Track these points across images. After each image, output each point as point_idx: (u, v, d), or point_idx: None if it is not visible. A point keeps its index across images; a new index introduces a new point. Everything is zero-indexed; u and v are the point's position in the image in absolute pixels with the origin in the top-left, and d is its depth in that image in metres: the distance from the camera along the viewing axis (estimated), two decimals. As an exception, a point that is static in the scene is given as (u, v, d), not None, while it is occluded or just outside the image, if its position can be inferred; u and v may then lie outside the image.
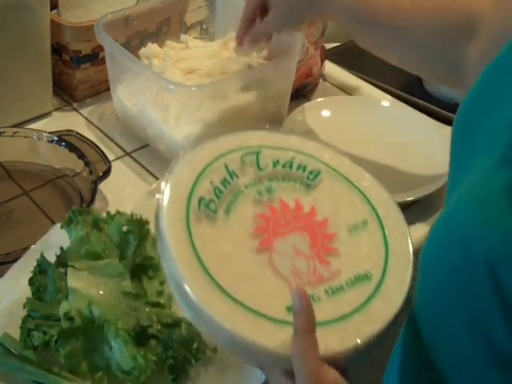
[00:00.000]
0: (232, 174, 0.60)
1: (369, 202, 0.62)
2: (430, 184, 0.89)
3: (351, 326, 0.54)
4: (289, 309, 0.53)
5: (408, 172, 0.93)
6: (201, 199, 0.57)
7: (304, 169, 0.63)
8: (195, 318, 0.53)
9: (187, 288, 0.52)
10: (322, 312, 0.53)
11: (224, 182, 0.59)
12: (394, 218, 0.62)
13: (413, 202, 0.89)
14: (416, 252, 0.60)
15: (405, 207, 0.86)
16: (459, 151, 0.57)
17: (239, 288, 0.53)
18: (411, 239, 0.60)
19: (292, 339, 0.50)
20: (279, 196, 0.60)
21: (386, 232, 0.60)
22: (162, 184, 0.58)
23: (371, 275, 0.57)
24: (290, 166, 0.62)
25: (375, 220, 0.61)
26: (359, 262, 0.58)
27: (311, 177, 0.62)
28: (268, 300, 0.54)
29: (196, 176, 0.59)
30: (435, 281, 0.52)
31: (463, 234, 0.47)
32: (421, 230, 0.87)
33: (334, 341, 0.53)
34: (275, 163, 0.62)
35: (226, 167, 0.60)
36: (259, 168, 0.61)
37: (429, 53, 0.79)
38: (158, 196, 0.57)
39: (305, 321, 0.50)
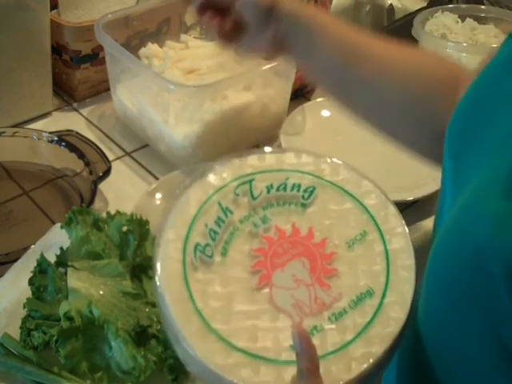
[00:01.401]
0: (226, 211, 0.58)
1: (366, 209, 0.60)
2: (430, 184, 0.89)
3: (358, 350, 0.53)
4: (293, 346, 0.52)
5: (408, 172, 0.93)
6: (196, 246, 0.56)
7: (298, 188, 0.61)
8: (199, 372, 0.53)
9: (189, 348, 0.51)
10: (326, 343, 0.53)
11: (218, 221, 0.58)
12: (393, 223, 0.60)
13: (413, 202, 0.89)
14: (415, 252, 0.59)
15: (405, 207, 0.86)
16: (457, 155, 0.56)
17: (242, 335, 0.52)
18: (412, 244, 0.59)
19: (297, 382, 0.50)
20: (275, 224, 0.58)
21: (386, 240, 0.59)
22: (157, 236, 0.56)
23: (373, 291, 0.56)
24: (285, 188, 0.61)
25: (374, 229, 0.59)
26: (360, 279, 0.57)
27: (306, 195, 0.61)
28: (271, 341, 0.53)
29: (190, 223, 0.57)
30: (442, 288, 0.51)
31: (475, 243, 0.46)
32: (420, 230, 0.87)
33: (341, 370, 0.52)
34: (269, 188, 0.60)
35: (220, 205, 0.59)
36: (253, 198, 0.60)
37: (417, 116, 0.69)
38: (155, 249, 0.56)
39: (308, 362, 0.49)
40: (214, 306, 0.53)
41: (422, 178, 0.92)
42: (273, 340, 0.53)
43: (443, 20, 1.16)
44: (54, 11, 1.02)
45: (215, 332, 0.52)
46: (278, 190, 0.60)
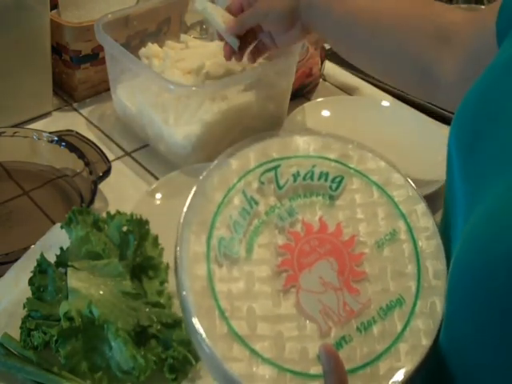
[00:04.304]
0: (251, 201, 0.56)
1: (396, 205, 0.58)
2: (430, 184, 0.89)
3: (387, 364, 0.51)
4: (319, 357, 0.50)
5: (408, 172, 0.93)
6: (221, 240, 0.53)
7: (326, 177, 0.58)
8: (219, 378, 0.51)
9: (212, 353, 0.49)
10: (355, 356, 0.51)
11: (243, 212, 0.55)
12: (424, 222, 0.58)
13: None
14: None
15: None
16: (467, 155, 0.54)
17: (268, 343, 0.50)
18: (444, 247, 0.56)
19: None
20: (302, 217, 0.56)
21: (417, 242, 0.56)
22: (179, 231, 0.53)
23: (403, 299, 0.54)
24: (311, 177, 0.58)
25: (404, 228, 0.57)
26: (390, 284, 0.55)
27: (334, 186, 0.58)
28: (298, 352, 0.51)
29: (213, 213, 0.54)
30: (470, 304, 0.48)
31: (506, 252, 0.44)
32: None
33: None
34: (295, 176, 0.57)
35: (244, 194, 0.56)
36: (279, 187, 0.57)
37: (404, 56, 0.79)
38: (176, 253, 0.53)
39: (336, 381, 0.48)
40: (238, 308, 0.51)
41: (422, 177, 0.91)
42: (300, 351, 0.51)
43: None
44: (54, 11, 1.02)
45: (241, 339, 0.50)
46: (304, 178, 0.58)
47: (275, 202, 0.56)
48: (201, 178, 0.57)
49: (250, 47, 0.91)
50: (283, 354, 0.50)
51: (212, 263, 0.53)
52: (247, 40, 0.90)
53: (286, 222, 0.56)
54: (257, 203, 0.56)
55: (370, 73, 0.91)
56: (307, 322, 0.52)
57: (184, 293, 0.51)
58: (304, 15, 0.84)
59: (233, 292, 0.52)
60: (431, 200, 0.87)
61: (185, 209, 0.55)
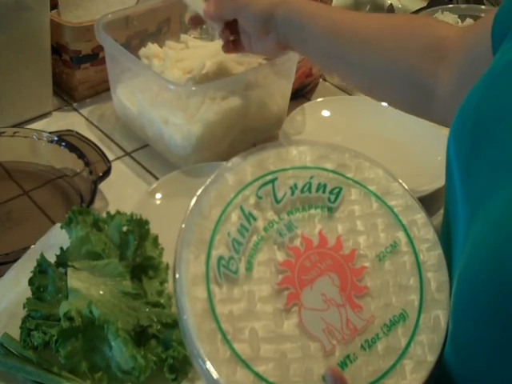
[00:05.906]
0: (249, 217, 0.54)
1: (396, 216, 0.57)
2: (430, 184, 0.89)
3: (393, 382, 0.51)
4: (324, 378, 0.50)
5: (408, 172, 0.93)
6: (220, 259, 0.52)
7: (324, 189, 0.57)
8: None
9: (216, 378, 0.49)
10: (360, 375, 0.50)
11: (242, 229, 0.53)
12: (424, 233, 0.57)
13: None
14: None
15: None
16: (466, 157, 0.54)
17: (272, 366, 0.49)
18: (445, 257, 0.56)
19: None
20: (301, 232, 0.55)
21: (418, 254, 0.56)
22: (177, 251, 0.52)
23: (407, 314, 0.53)
24: (309, 189, 0.57)
25: (405, 240, 0.56)
26: (393, 298, 0.54)
27: (332, 197, 0.57)
28: (303, 375, 0.50)
29: (211, 232, 0.53)
30: (478, 317, 0.47)
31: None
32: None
33: None
34: (293, 189, 0.56)
35: (242, 209, 0.54)
36: (276, 201, 0.55)
37: (396, 71, 0.78)
38: (175, 274, 0.51)
39: None
40: (240, 330, 0.50)
41: (422, 178, 0.92)
42: (305, 373, 0.50)
43: (443, 20, 1.16)
44: (54, 11, 1.02)
45: (244, 363, 0.49)
46: (302, 191, 0.57)
47: (273, 217, 0.55)
48: (197, 193, 0.55)
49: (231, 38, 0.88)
50: (287, 376, 0.50)
51: (212, 284, 0.51)
52: (231, 28, 0.87)
53: (286, 238, 0.55)
54: (255, 219, 0.54)
55: (356, 88, 0.90)
56: (310, 341, 0.51)
57: (185, 317, 0.50)
58: (281, 29, 0.81)
59: (234, 313, 0.51)
60: (431, 200, 0.88)
61: (183, 226, 0.53)
